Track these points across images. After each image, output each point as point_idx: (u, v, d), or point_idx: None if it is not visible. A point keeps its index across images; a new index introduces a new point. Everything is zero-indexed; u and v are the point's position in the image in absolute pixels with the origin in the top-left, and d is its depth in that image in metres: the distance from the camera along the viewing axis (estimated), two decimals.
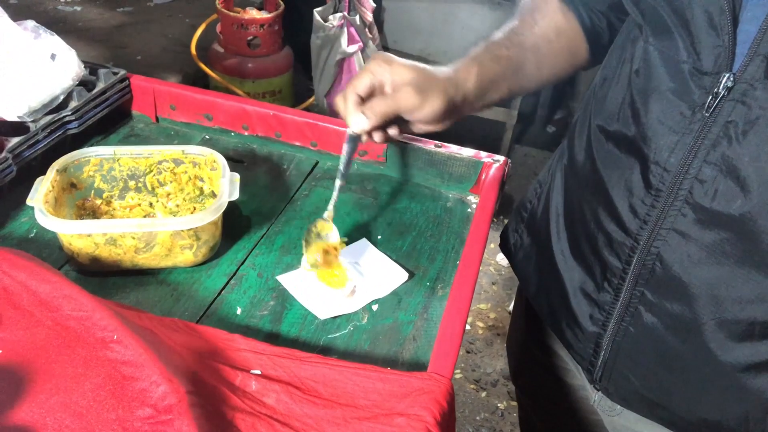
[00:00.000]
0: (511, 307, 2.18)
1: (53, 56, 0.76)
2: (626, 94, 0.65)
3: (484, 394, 1.90)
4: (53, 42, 0.79)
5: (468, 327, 2.09)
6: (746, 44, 0.55)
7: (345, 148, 0.70)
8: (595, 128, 0.70)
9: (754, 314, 0.60)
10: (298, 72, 2.57)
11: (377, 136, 0.70)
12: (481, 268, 0.70)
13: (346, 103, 0.67)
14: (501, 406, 1.87)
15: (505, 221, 2.48)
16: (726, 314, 0.61)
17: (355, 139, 0.70)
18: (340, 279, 0.68)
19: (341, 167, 0.71)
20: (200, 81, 2.33)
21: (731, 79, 0.56)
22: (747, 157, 0.56)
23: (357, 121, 0.66)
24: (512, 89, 0.76)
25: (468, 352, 2.02)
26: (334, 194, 0.72)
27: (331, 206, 0.73)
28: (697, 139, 0.58)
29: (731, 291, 0.60)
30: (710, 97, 0.57)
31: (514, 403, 1.83)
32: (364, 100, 0.67)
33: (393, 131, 0.70)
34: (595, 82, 0.74)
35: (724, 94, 0.56)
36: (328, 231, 0.72)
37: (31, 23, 0.79)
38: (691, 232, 0.60)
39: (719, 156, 0.57)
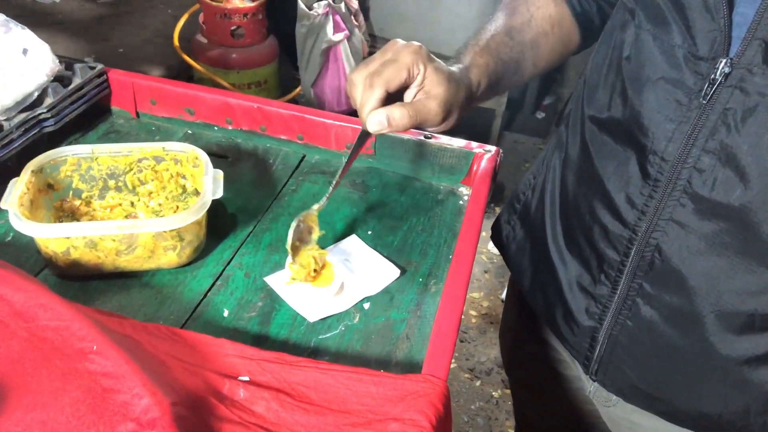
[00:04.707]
0: (503, 295, 2.17)
1: (25, 51, 0.72)
2: (617, 82, 0.63)
3: (478, 382, 1.90)
4: (25, 36, 0.76)
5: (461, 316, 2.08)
6: (743, 27, 0.53)
7: (356, 144, 0.65)
8: (588, 118, 0.68)
9: (755, 306, 0.59)
10: (284, 62, 2.53)
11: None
12: None
13: (370, 94, 0.58)
14: (495, 394, 1.87)
15: (496, 209, 2.46)
16: (726, 306, 0.59)
17: (366, 136, 0.63)
18: (326, 276, 0.66)
19: (345, 162, 0.66)
20: (184, 73, 2.29)
21: (728, 64, 0.54)
22: (746, 145, 0.54)
23: (378, 121, 0.58)
24: (507, 88, 0.75)
25: (461, 341, 2.01)
26: (331, 189, 0.68)
27: (324, 199, 0.69)
28: (695, 128, 0.56)
29: (731, 283, 0.58)
30: (707, 83, 0.55)
31: (509, 391, 1.82)
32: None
33: None
34: (586, 71, 0.72)
35: (721, 81, 0.54)
36: (314, 225, 0.69)
37: (1, 17, 0.76)
38: (690, 222, 0.59)
39: (717, 144, 0.55)
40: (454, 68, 0.65)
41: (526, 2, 0.76)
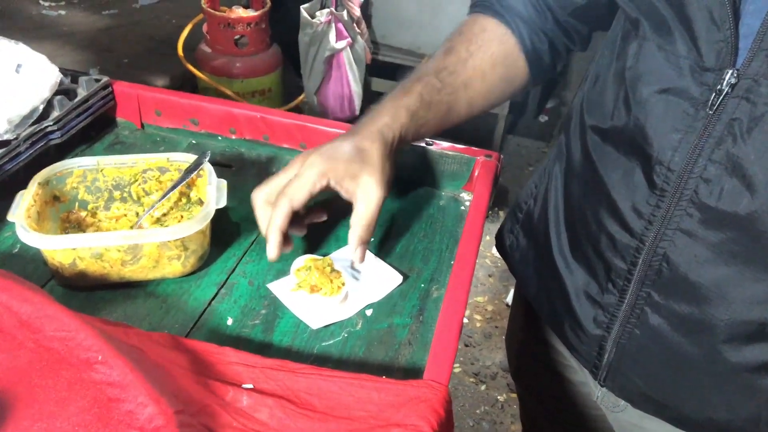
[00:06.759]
0: (507, 299, 2.17)
1: (19, 67, 0.73)
2: (620, 92, 0.63)
3: (483, 387, 1.90)
4: (21, 51, 0.77)
5: (466, 320, 2.08)
6: (749, 38, 0.53)
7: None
8: (591, 129, 0.68)
9: (764, 314, 0.58)
10: (288, 70, 2.55)
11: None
12: (477, 261, 0.69)
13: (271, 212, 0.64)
14: (501, 398, 1.87)
15: (500, 213, 2.45)
16: (735, 315, 0.59)
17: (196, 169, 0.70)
18: (334, 285, 0.66)
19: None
20: (188, 82, 2.31)
21: (735, 75, 0.54)
22: (752, 155, 0.54)
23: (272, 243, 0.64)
24: (438, 131, 0.74)
25: (466, 346, 2.01)
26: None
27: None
28: (701, 138, 0.57)
29: (740, 291, 0.58)
30: (713, 94, 0.55)
31: (514, 395, 1.83)
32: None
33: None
34: (586, 81, 0.72)
35: (728, 91, 0.54)
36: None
37: None
38: (697, 232, 0.59)
39: (724, 154, 0.56)
40: (365, 140, 0.67)
41: (469, 40, 0.75)
